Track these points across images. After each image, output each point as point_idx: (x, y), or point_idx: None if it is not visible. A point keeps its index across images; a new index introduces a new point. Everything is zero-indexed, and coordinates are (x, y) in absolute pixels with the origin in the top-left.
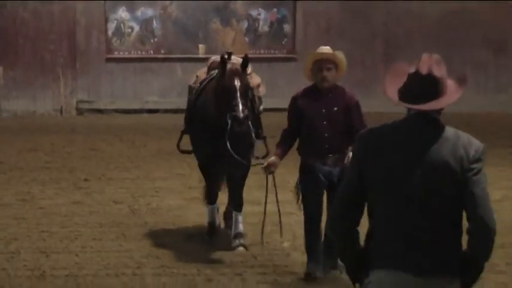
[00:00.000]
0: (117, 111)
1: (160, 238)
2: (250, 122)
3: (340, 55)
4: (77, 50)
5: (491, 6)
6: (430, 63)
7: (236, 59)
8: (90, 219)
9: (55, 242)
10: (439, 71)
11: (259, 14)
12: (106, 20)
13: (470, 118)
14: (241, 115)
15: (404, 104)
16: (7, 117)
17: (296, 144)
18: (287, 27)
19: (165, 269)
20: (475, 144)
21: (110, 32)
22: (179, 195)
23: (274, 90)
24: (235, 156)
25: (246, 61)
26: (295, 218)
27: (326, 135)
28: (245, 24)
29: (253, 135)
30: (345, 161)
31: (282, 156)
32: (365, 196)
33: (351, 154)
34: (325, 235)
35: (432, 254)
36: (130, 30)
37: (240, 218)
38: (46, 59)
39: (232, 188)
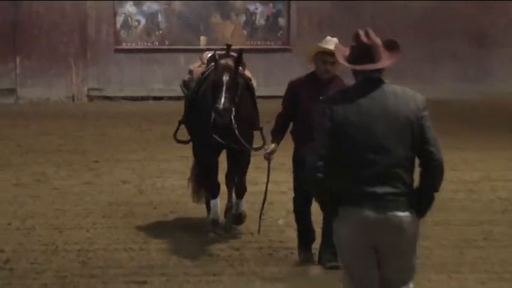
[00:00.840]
0: (124, 98)
1: (164, 215)
2: (233, 116)
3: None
4: (88, 42)
5: (469, 1)
6: (367, 35)
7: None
8: (100, 198)
9: (68, 219)
10: (375, 40)
11: (256, 9)
12: (115, 14)
13: (451, 105)
14: (221, 107)
15: (352, 66)
16: (23, 104)
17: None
18: (282, 21)
19: (169, 244)
20: (419, 96)
21: (118, 25)
22: (182, 175)
23: (269, 79)
24: (231, 144)
25: (239, 57)
26: (289, 196)
27: None
28: (243, 18)
29: (235, 128)
30: None
31: (279, 142)
32: (332, 150)
33: None
34: (323, 233)
35: (392, 192)
36: (137, 23)
37: (242, 204)
38: (59, 49)
39: (232, 178)
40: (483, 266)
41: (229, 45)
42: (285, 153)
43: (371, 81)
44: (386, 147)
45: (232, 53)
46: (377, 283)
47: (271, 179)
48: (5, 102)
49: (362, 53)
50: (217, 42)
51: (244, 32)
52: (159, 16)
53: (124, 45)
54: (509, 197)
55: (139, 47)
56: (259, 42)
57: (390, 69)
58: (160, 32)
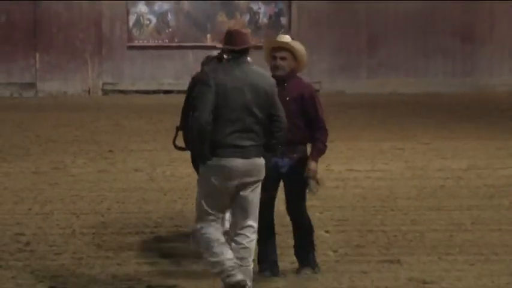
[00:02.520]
0: (137, 92)
1: (174, 202)
2: None
3: (297, 45)
4: (103, 39)
5: (458, 1)
6: (237, 24)
7: None
8: (114, 185)
9: (84, 205)
10: (242, 29)
11: (259, 8)
12: (128, 13)
13: (441, 97)
14: None
15: (226, 46)
16: (43, 97)
17: None
18: (283, 20)
19: (179, 229)
20: (269, 76)
21: (131, 23)
22: (190, 164)
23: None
24: None
25: None
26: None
27: None
28: (247, 17)
29: None
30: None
31: None
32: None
33: (312, 166)
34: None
35: (253, 143)
36: (148, 21)
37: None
38: (76, 46)
39: None
40: (471, 248)
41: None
42: None
43: (239, 60)
44: (250, 109)
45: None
46: (226, 212)
47: None
48: (26, 96)
49: (229, 37)
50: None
51: (248, 30)
52: (169, 15)
53: (136, 43)
54: (495, 184)
55: (150, 44)
56: (262, 40)
57: (386, 65)
58: (170, 30)
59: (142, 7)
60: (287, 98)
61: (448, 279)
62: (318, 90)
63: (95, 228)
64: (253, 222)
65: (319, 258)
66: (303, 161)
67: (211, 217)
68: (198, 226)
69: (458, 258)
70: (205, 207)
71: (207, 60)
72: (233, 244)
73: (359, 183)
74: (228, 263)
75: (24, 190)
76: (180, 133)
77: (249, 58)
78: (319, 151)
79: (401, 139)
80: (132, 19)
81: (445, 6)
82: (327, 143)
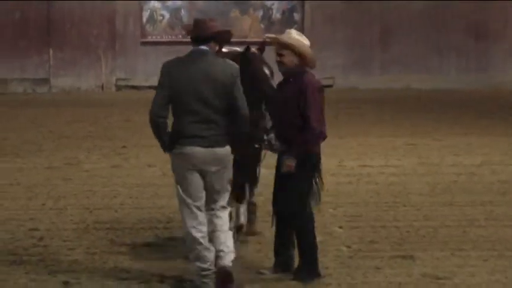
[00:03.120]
0: (150, 87)
1: None
2: None
3: (295, 41)
4: (116, 35)
5: None
6: (204, 20)
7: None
8: (128, 180)
9: (97, 200)
10: (207, 23)
11: (272, 4)
12: (141, 9)
13: (455, 94)
14: None
15: (191, 39)
16: (56, 93)
17: None
18: (297, 16)
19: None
20: (234, 67)
21: (144, 19)
22: None
23: None
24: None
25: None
26: None
27: (276, 118)
28: (260, 13)
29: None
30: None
31: None
32: (171, 101)
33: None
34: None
35: (213, 133)
36: (161, 17)
37: (242, 209)
38: (90, 42)
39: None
40: (485, 244)
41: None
42: None
43: (199, 51)
44: (207, 101)
45: (237, 48)
46: (202, 197)
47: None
48: (39, 91)
49: (193, 28)
50: (236, 35)
51: (262, 25)
52: (182, 11)
53: (149, 38)
54: (508, 180)
55: (163, 39)
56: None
57: (399, 61)
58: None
59: (155, 3)
60: (288, 94)
61: (461, 275)
62: (331, 86)
63: (108, 223)
64: (224, 203)
65: (331, 253)
66: (302, 160)
67: (190, 205)
68: (184, 222)
69: (471, 254)
70: (182, 193)
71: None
72: (210, 227)
73: (372, 179)
74: (204, 272)
75: (37, 185)
76: None
77: (204, 47)
78: (297, 148)
79: (414, 135)
80: (145, 15)
81: (459, 3)
82: (312, 143)
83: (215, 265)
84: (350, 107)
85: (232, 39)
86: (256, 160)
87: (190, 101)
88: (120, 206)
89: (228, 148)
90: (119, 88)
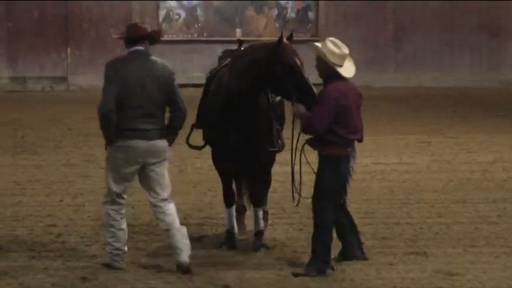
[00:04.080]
0: None
1: (203, 194)
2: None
3: (315, 48)
4: None
5: None
6: (134, 23)
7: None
8: None
9: None
10: (141, 26)
11: (287, 3)
12: (157, 8)
13: (468, 92)
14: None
15: (125, 42)
16: (74, 90)
17: None
18: (311, 14)
19: (207, 220)
20: (169, 66)
21: (160, 18)
22: None
23: None
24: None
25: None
26: None
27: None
28: (275, 12)
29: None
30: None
31: None
32: (118, 97)
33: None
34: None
35: (155, 127)
36: (178, 16)
37: (261, 214)
38: (107, 41)
39: (252, 185)
40: (497, 240)
41: (240, 41)
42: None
43: (138, 51)
44: (150, 97)
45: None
46: (127, 186)
47: (304, 161)
48: (57, 89)
49: (126, 31)
50: (252, 34)
51: (276, 24)
52: (198, 10)
53: (166, 37)
54: None
55: (179, 38)
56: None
57: (413, 59)
58: (199, 24)
59: (171, 2)
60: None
61: (473, 271)
62: None
63: (126, 219)
64: (166, 195)
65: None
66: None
67: (116, 192)
68: (105, 201)
69: (483, 251)
70: (111, 182)
71: (224, 55)
72: (163, 225)
73: (385, 176)
74: (115, 252)
75: (56, 182)
76: (196, 131)
77: (141, 48)
78: (304, 115)
79: (428, 133)
80: (161, 14)
81: (471, 2)
82: (303, 124)
83: (175, 262)
84: (364, 105)
85: (247, 38)
86: (270, 162)
87: (135, 96)
88: (137, 202)
89: (164, 140)
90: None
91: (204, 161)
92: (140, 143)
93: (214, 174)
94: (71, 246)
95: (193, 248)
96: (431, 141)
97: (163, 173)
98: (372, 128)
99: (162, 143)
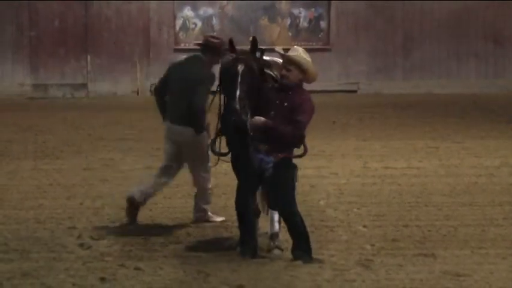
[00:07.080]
0: None
1: (218, 197)
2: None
3: (300, 58)
4: (151, 42)
5: (489, 5)
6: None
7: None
8: None
9: None
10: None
11: (300, 13)
12: (174, 18)
13: (475, 98)
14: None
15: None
16: (94, 97)
17: None
18: (323, 24)
19: (223, 222)
20: (201, 70)
21: (177, 27)
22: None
23: None
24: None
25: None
26: (329, 180)
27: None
28: (288, 21)
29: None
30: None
31: None
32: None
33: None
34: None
35: (181, 114)
36: (194, 25)
37: (276, 217)
38: (125, 49)
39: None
40: (503, 242)
41: (231, 41)
42: (323, 141)
43: (188, 57)
44: (181, 92)
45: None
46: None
47: (313, 165)
48: (77, 96)
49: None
50: (265, 42)
51: (289, 33)
52: (214, 19)
53: (182, 46)
54: None
55: (196, 47)
56: (302, 43)
57: (421, 67)
58: (215, 33)
59: (188, 12)
60: (285, 104)
61: (480, 272)
62: (355, 91)
63: (144, 221)
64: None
65: (356, 251)
66: (287, 162)
67: (166, 164)
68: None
69: (490, 252)
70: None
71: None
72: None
73: (395, 180)
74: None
75: (76, 186)
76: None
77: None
78: (275, 129)
79: (435, 138)
80: (178, 23)
81: (478, 10)
82: (292, 137)
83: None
84: (374, 112)
85: (261, 46)
86: None
87: (174, 91)
88: (154, 205)
89: (191, 128)
90: (153, 93)
91: (219, 164)
92: (171, 124)
93: (229, 178)
94: (91, 248)
95: (208, 250)
96: (439, 146)
97: (199, 155)
98: (382, 133)
99: (189, 129)
